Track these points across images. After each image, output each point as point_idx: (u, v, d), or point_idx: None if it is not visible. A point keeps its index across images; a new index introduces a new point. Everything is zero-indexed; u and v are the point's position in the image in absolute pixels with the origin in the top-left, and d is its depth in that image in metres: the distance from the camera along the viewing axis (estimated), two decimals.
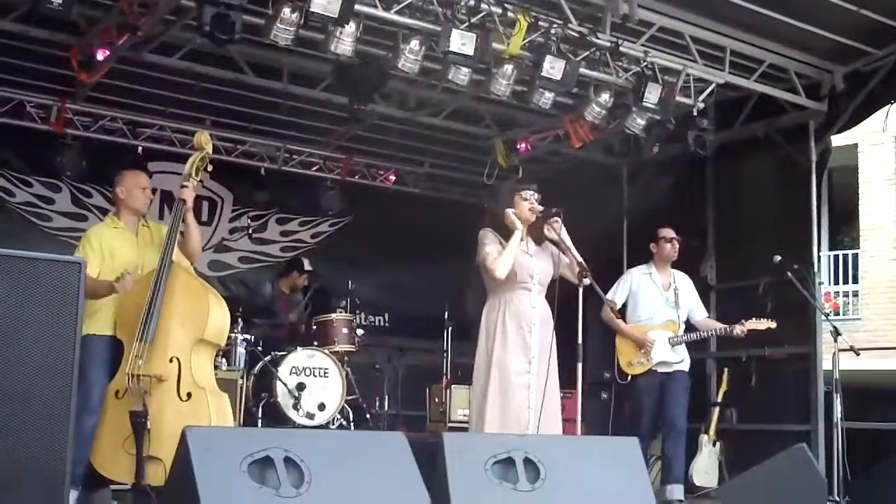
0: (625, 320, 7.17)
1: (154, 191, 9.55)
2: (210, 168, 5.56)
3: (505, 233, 5.45)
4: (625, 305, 7.22)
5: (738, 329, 7.01)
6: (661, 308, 7.16)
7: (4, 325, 3.61)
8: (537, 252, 5.55)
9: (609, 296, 6.74)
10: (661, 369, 7.08)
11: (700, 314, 7.32)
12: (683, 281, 7.35)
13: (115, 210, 5.60)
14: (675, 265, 7.41)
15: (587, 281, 5.29)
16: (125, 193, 5.51)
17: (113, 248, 5.37)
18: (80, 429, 4.64)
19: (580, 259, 5.36)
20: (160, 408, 5.01)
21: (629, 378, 7.10)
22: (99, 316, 5.22)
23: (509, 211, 5.46)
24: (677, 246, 7.28)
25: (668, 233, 7.27)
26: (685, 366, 7.20)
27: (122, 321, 5.24)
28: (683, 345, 7.20)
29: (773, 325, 7.07)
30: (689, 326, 7.28)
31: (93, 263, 5.11)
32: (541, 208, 5.47)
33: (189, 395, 5.09)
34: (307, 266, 9.49)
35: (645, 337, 7.05)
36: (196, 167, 5.46)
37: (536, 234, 5.55)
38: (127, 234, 5.48)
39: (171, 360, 5.11)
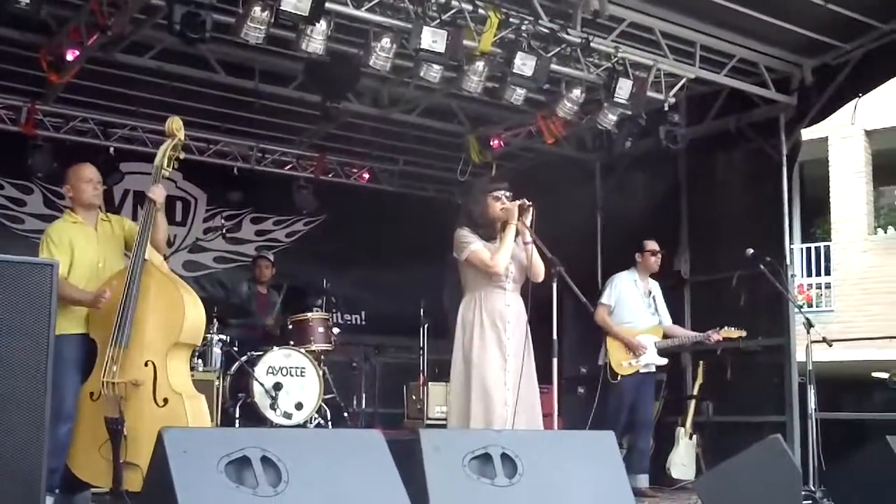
0: None
1: (126, 192, 9.82)
2: (182, 156, 5.48)
3: (482, 232, 5.44)
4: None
5: (715, 337, 7.52)
6: (643, 313, 7.57)
7: None
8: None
9: (604, 300, 7.35)
10: (643, 370, 7.54)
11: (668, 321, 7.80)
12: (657, 289, 7.84)
13: (71, 206, 5.49)
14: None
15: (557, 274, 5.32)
16: (72, 190, 5.42)
17: (74, 242, 5.27)
18: (54, 435, 4.56)
19: (549, 254, 5.37)
20: (137, 414, 4.93)
21: (619, 378, 7.43)
22: (70, 314, 5.11)
23: (497, 205, 5.43)
24: (660, 259, 7.80)
25: (654, 246, 7.77)
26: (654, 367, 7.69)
27: (95, 320, 5.17)
28: None
29: (744, 333, 7.60)
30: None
31: (62, 262, 4.97)
32: (521, 201, 5.42)
33: (165, 400, 5.00)
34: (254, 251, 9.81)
35: (638, 342, 7.45)
36: (168, 156, 5.38)
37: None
38: (86, 228, 5.38)
39: (146, 364, 5.03)
